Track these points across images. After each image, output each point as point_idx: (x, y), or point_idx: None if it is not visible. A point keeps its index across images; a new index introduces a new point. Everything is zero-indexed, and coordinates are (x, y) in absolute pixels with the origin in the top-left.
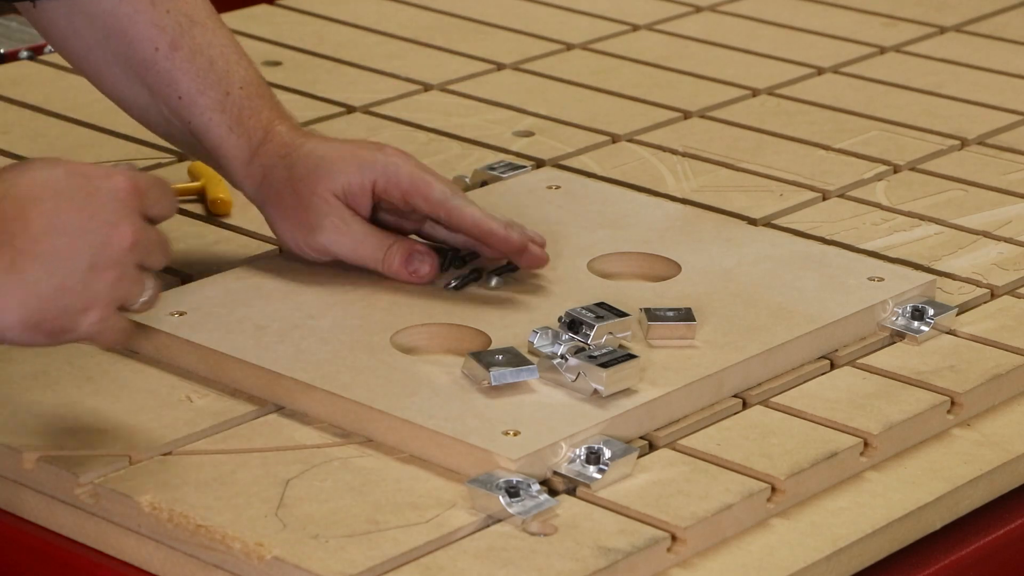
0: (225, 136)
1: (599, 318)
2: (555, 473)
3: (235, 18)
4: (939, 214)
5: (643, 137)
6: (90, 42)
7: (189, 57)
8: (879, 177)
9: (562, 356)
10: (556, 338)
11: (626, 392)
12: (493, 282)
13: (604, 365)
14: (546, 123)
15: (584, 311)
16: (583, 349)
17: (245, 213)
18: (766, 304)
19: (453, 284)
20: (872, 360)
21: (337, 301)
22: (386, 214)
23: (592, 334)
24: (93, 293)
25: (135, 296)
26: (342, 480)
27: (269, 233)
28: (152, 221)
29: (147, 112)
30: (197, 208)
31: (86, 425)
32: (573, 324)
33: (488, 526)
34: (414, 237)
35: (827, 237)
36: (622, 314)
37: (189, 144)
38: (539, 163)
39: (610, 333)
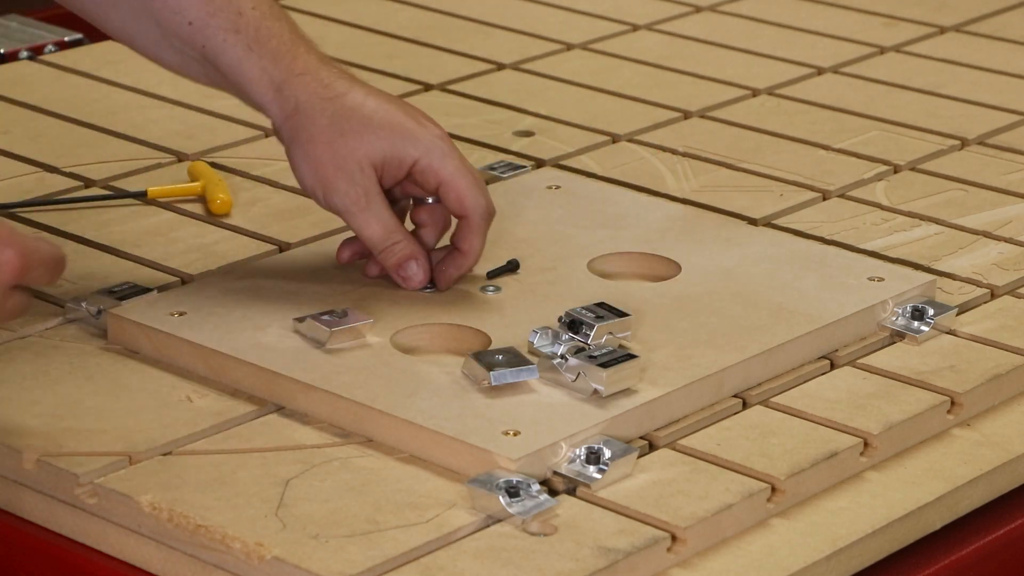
0: (243, 57)
1: (599, 318)
2: (555, 473)
3: None
4: (939, 214)
5: (643, 137)
6: None
7: None
8: (879, 177)
9: (562, 356)
10: (556, 338)
11: (626, 392)
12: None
13: (604, 365)
14: (546, 123)
15: (584, 311)
16: (583, 349)
17: (245, 213)
18: (766, 304)
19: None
20: (872, 360)
21: (337, 301)
22: (398, 186)
23: (592, 334)
24: None
25: None
26: (342, 480)
27: (269, 233)
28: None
29: (159, 47)
30: (197, 208)
31: (86, 425)
32: (573, 324)
33: (488, 526)
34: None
35: (827, 237)
36: (622, 314)
37: (208, 74)
38: (539, 163)
39: (610, 333)
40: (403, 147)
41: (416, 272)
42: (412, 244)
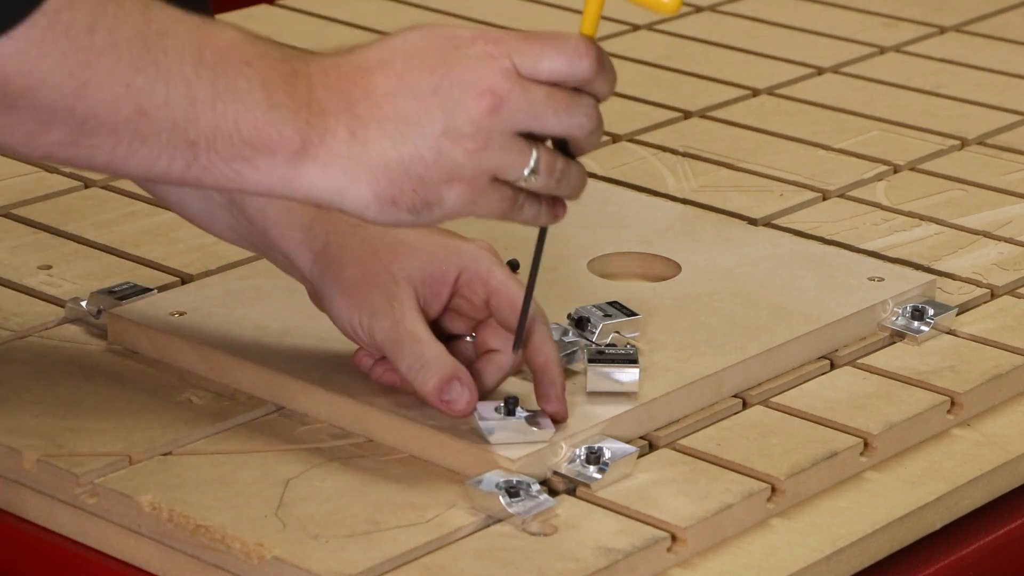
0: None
1: (606, 316)
2: (555, 473)
3: (235, 18)
4: (939, 214)
5: (643, 137)
6: (224, 225)
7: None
8: (879, 177)
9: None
10: (564, 335)
11: (626, 393)
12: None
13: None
14: None
15: (594, 308)
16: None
17: None
18: (766, 304)
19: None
20: (872, 360)
21: None
22: (449, 309)
23: (597, 332)
24: (450, 163)
25: (512, 168)
26: (342, 480)
27: None
28: (549, 82)
29: (193, 196)
30: None
31: (86, 425)
32: (580, 321)
33: (488, 526)
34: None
35: (827, 237)
36: (631, 313)
37: (234, 225)
38: None
39: (616, 332)
40: (443, 262)
41: (461, 394)
42: (453, 363)
